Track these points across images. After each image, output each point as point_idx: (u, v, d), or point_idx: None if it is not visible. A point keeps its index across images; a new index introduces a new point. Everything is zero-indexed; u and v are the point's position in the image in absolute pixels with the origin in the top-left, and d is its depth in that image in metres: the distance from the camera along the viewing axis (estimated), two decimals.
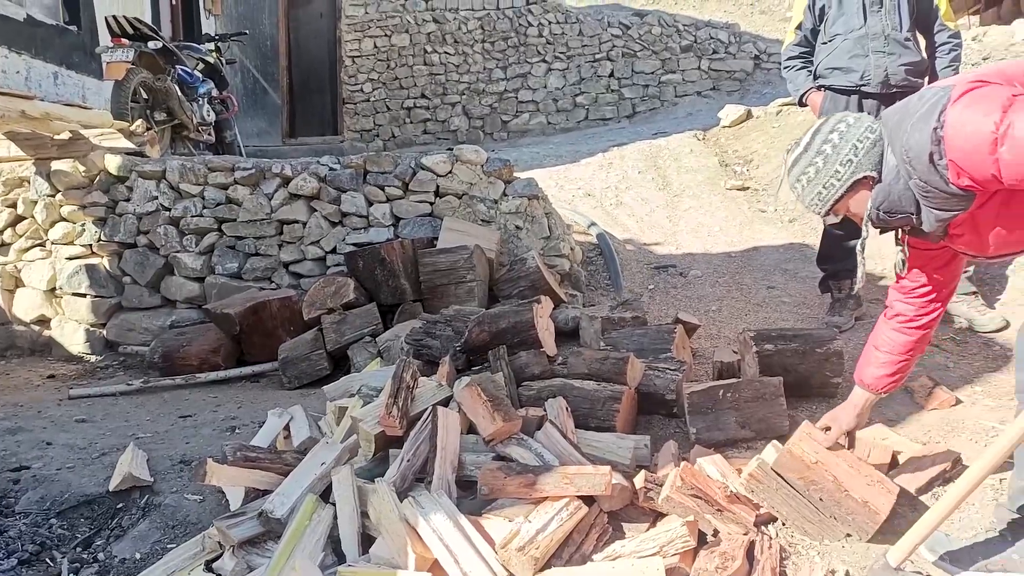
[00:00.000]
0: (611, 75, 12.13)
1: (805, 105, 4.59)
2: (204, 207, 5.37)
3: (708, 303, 5.31)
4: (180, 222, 5.41)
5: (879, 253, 5.50)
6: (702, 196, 7.33)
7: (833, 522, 2.49)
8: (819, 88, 4.35)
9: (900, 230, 2.25)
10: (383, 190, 5.21)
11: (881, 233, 2.24)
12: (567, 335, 4.26)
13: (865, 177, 2.14)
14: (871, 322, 4.51)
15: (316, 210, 5.28)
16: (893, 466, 2.92)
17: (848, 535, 2.48)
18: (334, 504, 2.70)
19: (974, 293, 4.32)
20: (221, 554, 2.73)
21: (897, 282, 2.50)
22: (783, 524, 2.56)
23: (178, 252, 5.40)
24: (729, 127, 8.80)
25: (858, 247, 2.33)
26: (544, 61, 12.17)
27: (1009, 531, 2.32)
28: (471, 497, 2.72)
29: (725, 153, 8.35)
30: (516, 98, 12.22)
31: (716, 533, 2.50)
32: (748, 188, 7.36)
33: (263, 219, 5.30)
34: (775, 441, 2.64)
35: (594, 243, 6.36)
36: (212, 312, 4.96)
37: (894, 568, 2.24)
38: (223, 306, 4.92)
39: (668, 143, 8.76)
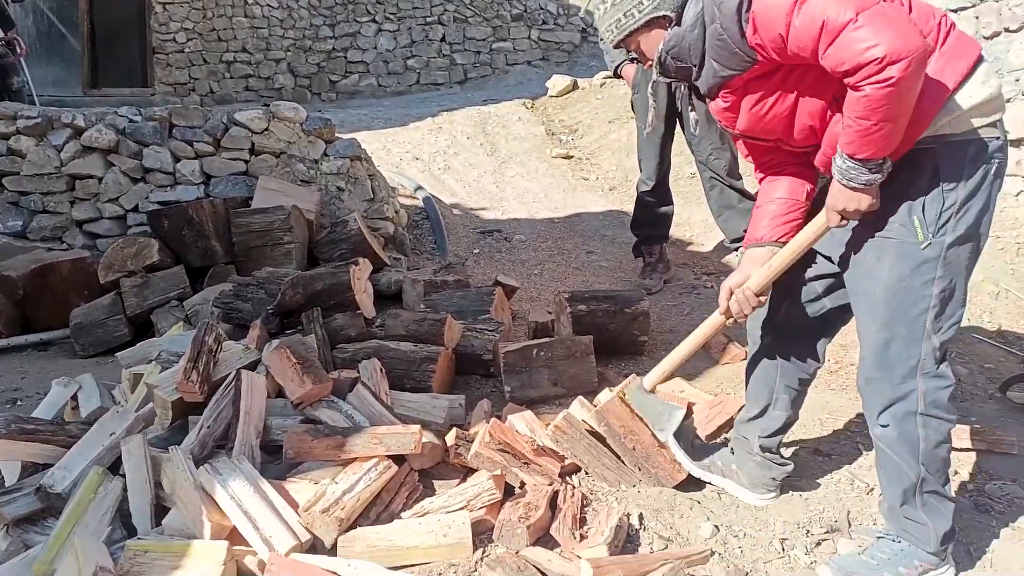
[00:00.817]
0: (443, 39, 12.00)
1: (621, 77, 4.76)
2: None
3: (531, 267, 5.43)
4: None
5: (687, 222, 5.85)
6: (529, 163, 7.46)
7: (632, 470, 2.62)
8: (632, 61, 4.51)
9: (688, 91, 2.33)
10: (192, 146, 4.88)
11: (663, 78, 2.26)
12: (390, 298, 4.20)
13: (664, 16, 2.19)
14: (679, 284, 4.81)
15: (114, 165, 4.85)
16: (688, 415, 3.12)
17: (640, 481, 2.62)
18: (124, 476, 2.51)
19: None
20: None
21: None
22: (585, 474, 2.67)
23: None
24: (556, 97, 8.98)
25: (648, 90, 2.44)
26: (374, 21, 11.83)
27: (733, 445, 2.64)
28: (277, 462, 2.62)
29: (552, 122, 8.52)
30: (345, 58, 11.81)
31: (523, 485, 2.57)
32: (572, 156, 7.56)
33: (51, 173, 4.81)
34: (581, 397, 2.73)
35: (420, 207, 6.31)
36: None
37: (647, 390, 2.64)
38: (4, 268, 4.43)
39: (497, 110, 8.81)
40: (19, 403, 3.54)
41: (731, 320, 2.42)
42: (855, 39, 1.80)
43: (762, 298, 2.34)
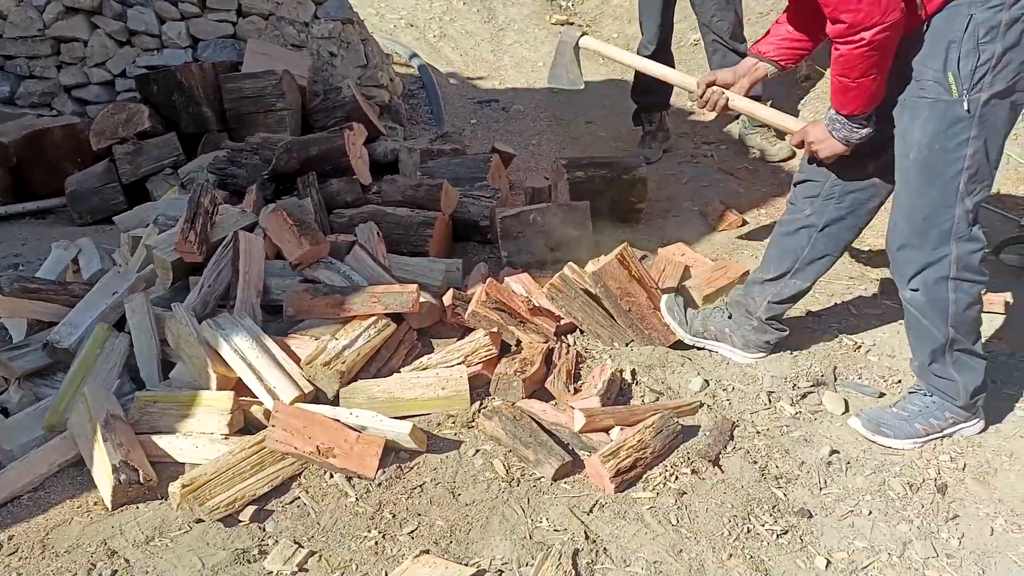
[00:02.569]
0: None
1: None
2: None
3: (528, 137, 5.35)
4: None
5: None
6: (527, 30, 7.21)
7: (625, 330, 2.68)
8: None
9: None
10: (176, 6, 4.68)
11: None
12: (386, 168, 4.15)
13: None
14: (679, 153, 4.76)
15: (99, 27, 4.67)
16: (685, 278, 3.17)
17: (632, 341, 2.69)
18: (129, 333, 2.57)
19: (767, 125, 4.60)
20: (6, 389, 2.55)
21: None
22: (580, 333, 2.73)
23: None
24: None
25: None
26: None
27: (731, 308, 2.67)
28: (278, 321, 2.68)
29: None
30: None
31: (519, 343, 2.63)
32: (572, 23, 7.29)
33: (35, 36, 4.64)
34: (571, 263, 2.76)
35: (416, 76, 6.14)
36: None
37: (579, 45, 2.84)
38: None
39: None
40: (20, 268, 3.56)
41: (696, 98, 2.58)
42: None
43: (726, 110, 2.57)
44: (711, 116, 5.32)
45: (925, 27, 2.00)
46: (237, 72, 4.54)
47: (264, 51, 4.66)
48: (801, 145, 2.32)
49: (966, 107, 1.99)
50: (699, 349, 2.69)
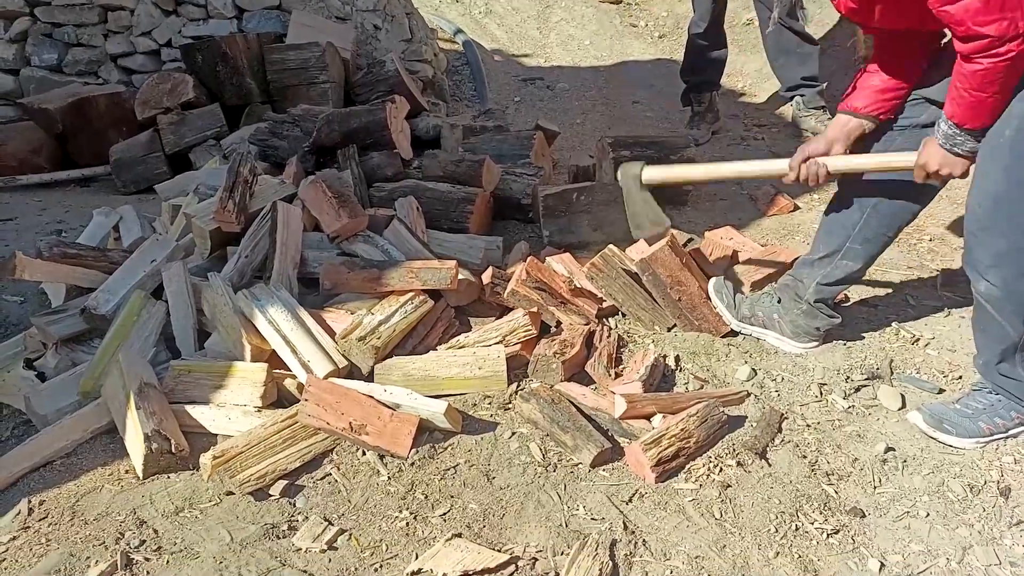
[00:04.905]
0: None
1: None
2: None
3: (573, 116, 5.25)
4: None
5: (740, 71, 5.55)
6: (574, 8, 7.07)
7: (666, 313, 2.58)
8: None
9: None
10: None
11: None
12: (429, 143, 4.08)
13: None
14: (728, 136, 4.61)
15: None
16: (734, 262, 3.05)
17: (675, 324, 2.59)
18: (167, 302, 2.55)
19: (822, 108, 4.43)
20: (44, 353, 2.56)
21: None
22: (622, 315, 2.64)
23: None
24: None
25: None
26: None
27: (779, 292, 2.54)
28: (314, 293, 2.63)
29: None
30: None
31: (559, 324, 2.55)
32: (621, 2, 7.14)
33: (83, 3, 4.66)
34: (612, 246, 2.66)
35: (460, 52, 6.07)
36: (29, 107, 4.42)
37: (643, 183, 2.53)
38: (41, 101, 4.39)
39: None
40: (63, 234, 3.57)
41: (791, 180, 2.32)
42: (975, 7, 1.76)
43: (832, 179, 2.29)
44: (764, 98, 5.16)
45: None
46: (281, 44, 4.52)
47: (309, 23, 4.62)
48: (927, 176, 2.10)
49: None
50: (746, 336, 2.58)
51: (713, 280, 2.62)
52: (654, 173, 2.52)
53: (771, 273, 2.93)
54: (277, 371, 2.26)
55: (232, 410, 2.17)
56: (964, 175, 2.06)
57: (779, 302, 2.52)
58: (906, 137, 2.22)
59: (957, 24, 1.81)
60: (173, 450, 2.02)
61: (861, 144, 2.31)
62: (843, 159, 2.27)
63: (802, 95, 4.45)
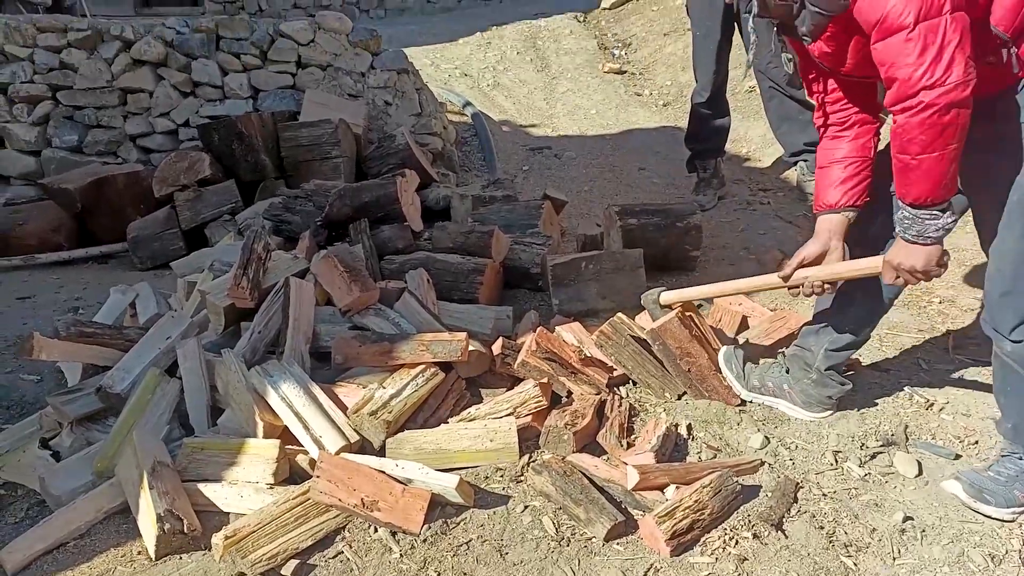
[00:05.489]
0: None
1: None
2: (35, 72, 4.84)
3: (581, 183, 5.33)
4: (8, 89, 4.86)
5: (744, 137, 5.65)
6: (580, 79, 7.26)
7: (676, 380, 2.58)
8: None
9: (777, 28, 2.12)
10: (239, 58, 4.84)
11: (760, 16, 2.04)
12: (439, 214, 4.17)
13: None
14: (734, 201, 4.67)
15: (164, 78, 4.86)
16: (743, 329, 3.06)
17: (686, 392, 2.59)
18: (181, 379, 2.57)
19: None
20: (59, 432, 2.57)
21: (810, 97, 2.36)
22: (633, 384, 2.64)
23: (8, 123, 4.88)
24: (609, 9, 8.66)
25: (749, 25, 2.09)
26: None
27: (788, 362, 2.54)
28: (326, 368, 2.65)
29: (604, 36, 8.25)
30: None
31: (570, 394, 2.55)
32: (625, 72, 7.33)
33: (104, 87, 4.83)
34: (620, 314, 2.69)
35: (469, 124, 6.22)
36: (49, 187, 4.54)
37: (662, 305, 2.64)
38: (61, 181, 4.52)
39: (548, 24, 8.55)
40: (80, 311, 3.64)
41: (794, 294, 2.34)
42: (896, 46, 1.75)
43: (827, 286, 2.26)
44: (768, 163, 5.24)
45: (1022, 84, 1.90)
46: (295, 121, 4.64)
47: (322, 101, 4.77)
48: (899, 280, 2.04)
49: None
50: (759, 407, 2.57)
51: (723, 349, 2.62)
52: (672, 296, 2.64)
53: (782, 338, 2.94)
54: (289, 447, 2.26)
55: (244, 487, 2.17)
56: (929, 273, 1.97)
57: (788, 372, 2.51)
58: None
59: (882, 64, 1.80)
60: (185, 530, 2.02)
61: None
62: (831, 268, 2.22)
63: (805, 160, 4.52)
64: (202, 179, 4.45)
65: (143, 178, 4.56)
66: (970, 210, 2.21)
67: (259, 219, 3.92)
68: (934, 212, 1.90)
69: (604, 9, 8.72)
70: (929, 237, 1.93)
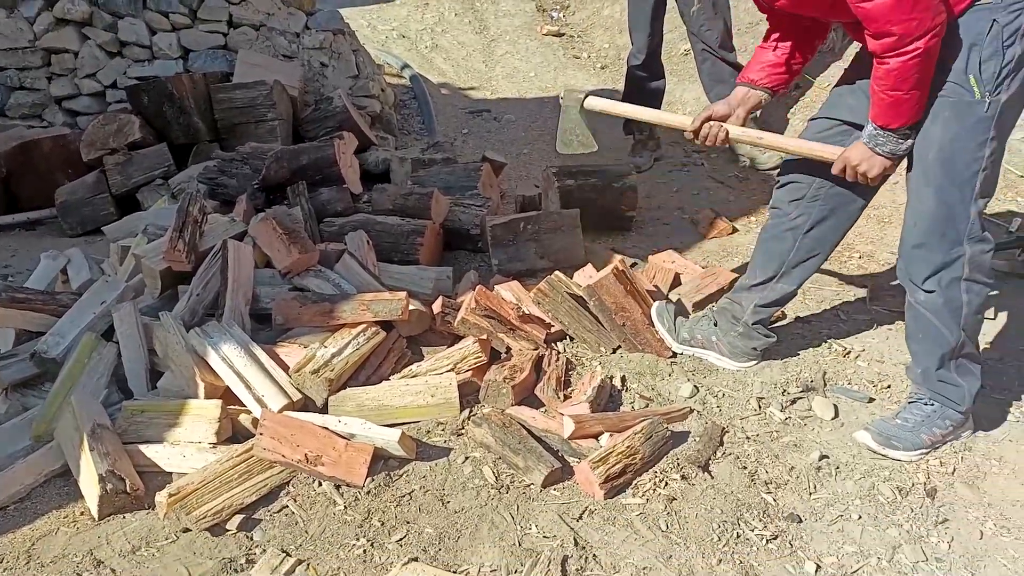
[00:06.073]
0: None
1: None
2: None
3: (520, 146, 5.37)
4: None
5: (680, 100, 5.74)
6: (519, 41, 7.24)
7: (611, 335, 2.68)
8: None
9: None
10: (167, 17, 4.70)
11: None
12: (378, 177, 4.16)
13: None
14: (669, 162, 4.77)
15: (89, 38, 4.69)
16: (675, 285, 3.17)
17: (620, 346, 2.69)
18: (117, 343, 2.56)
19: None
20: None
21: None
22: (570, 340, 2.73)
23: None
24: None
25: None
26: None
27: (716, 315, 2.67)
28: (267, 329, 2.67)
29: None
30: None
31: (509, 351, 2.63)
32: (564, 34, 7.33)
33: (26, 47, 4.65)
34: (558, 272, 2.76)
35: (408, 86, 6.17)
36: None
37: (584, 107, 2.70)
38: None
39: None
40: (9, 279, 3.56)
41: (689, 137, 2.50)
42: (888, 5, 1.86)
43: (725, 143, 2.46)
44: None
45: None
46: (228, 83, 4.55)
47: (256, 62, 4.68)
48: (843, 171, 2.23)
49: (986, 109, 2.00)
50: (688, 359, 2.69)
51: (655, 304, 2.73)
52: (596, 102, 2.68)
53: (712, 293, 3.06)
54: (231, 407, 2.29)
55: (187, 447, 2.19)
56: (878, 178, 2.19)
57: (715, 325, 2.64)
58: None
59: (871, 21, 1.93)
60: (128, 490, 2.03)
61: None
62: (745, 131, 2.45)
63: None
64: (132, 142, 4.34)
65: (70, 142, 4.42)
66: None
67: (194, 182, 3.86)
68: (907, 132, 2.09)
69: None
70: (896, 154, 2.13)
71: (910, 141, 2.11)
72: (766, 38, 2.44)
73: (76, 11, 4.61)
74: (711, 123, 2.45)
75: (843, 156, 2.21)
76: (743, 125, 2.48)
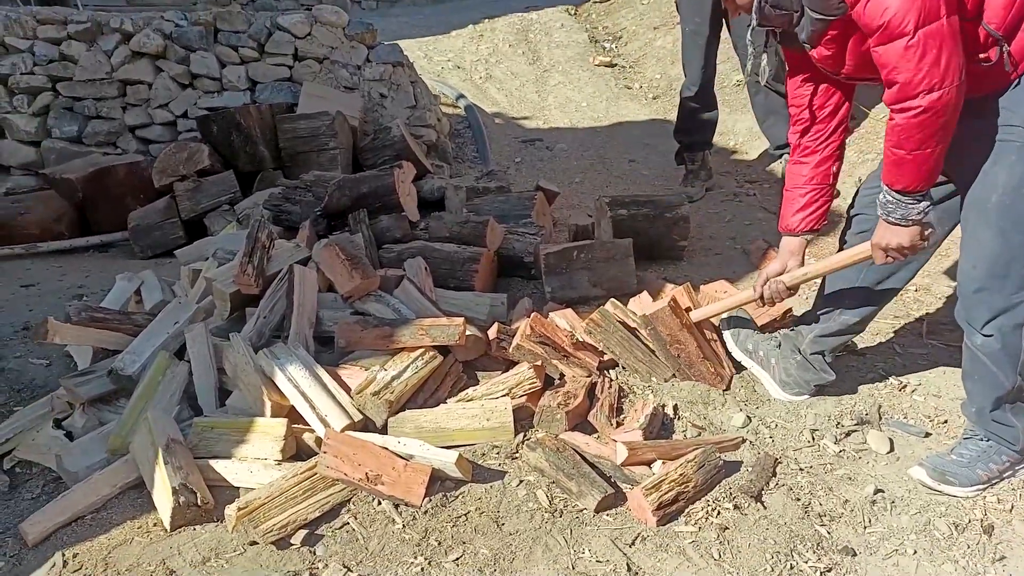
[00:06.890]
0: None
1: None
2: (35, 64, 4.91)
3: (572, 175, 5.45)
4: (8, 80, 4.92)
5: (732, 130, 5.77)
6: (571, 72, 7.36)
7: (664, 365, 2.71)
8: None
9: (772, 35, 2.24)
10: (237, 51, 4.93)
11: (760, 26, 2.18)
12: (433, 205, 4.28)
13: None
14: (721, 192, 4.80)
15: (163, 70, 4.94)
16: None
17: (673, 376, 2.71)
18: (189, 362, 2.68)
19: None
20: (71, 413, 2.68)
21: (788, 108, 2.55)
22: (622, 368, 2.77)
23: (8, 113, 4.95)
24: (600, 2, 8.76)
25: (748, 37, 2.28)
26: None
27: (783, 338, 2.69)
28: (329, 351, 2.77)
29: (595, 29, 8.35)
30: None
31: (562, 377, 2.68)
32: (616, 65, 7.44)
33: (103, 79, 4.91)
34: (613, 299, 2.81)
35: (462, 116, 6.32)
36: (50, 177, 4.63)
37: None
38: (63, 171, 4.60)
39: (540, 17, 8.64)
40: (84, 299, 3.73)
41: (758, 303, 2.59)
42: (897, 51, 1.85)
43: (792, 291, 2.51)
44: (754, 155, 5.37)
45: (1015, 83, 2.00)
46: (292, 113, 4.74)
47: (318, 93, 4.86)
48: (886, 258, 2.20)
49: None
50: (742, 386, 2.70)
51: (728, 312, 2.76)
52: (695, 315, 2.74)
53: (765, 324, 3.06)
54: (296, 426, 2.38)
55: (254, 464, 2.29)
56: (916, 247, 2.14)
57: (779, 347, 2.65)
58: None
59: (883, 67, 1.91)
60: (199, 503, 2.13)
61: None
62: (795, 272, 2.50)
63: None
64: (201, 170, 4.54)
65: (143, 168, 4.65)
66: None
67: (259, 209, 4.02)
68: (917, 197, 2.06)
69: (595, 2, 8.82)
70: (911, 220, 2.09)
71: (924, 204, 2.06)
72: (789, 180, 2.50)
73: (151, 45, 4.86)
74: (769, 283, 2.52)
75: (873, 245, 2.21)
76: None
